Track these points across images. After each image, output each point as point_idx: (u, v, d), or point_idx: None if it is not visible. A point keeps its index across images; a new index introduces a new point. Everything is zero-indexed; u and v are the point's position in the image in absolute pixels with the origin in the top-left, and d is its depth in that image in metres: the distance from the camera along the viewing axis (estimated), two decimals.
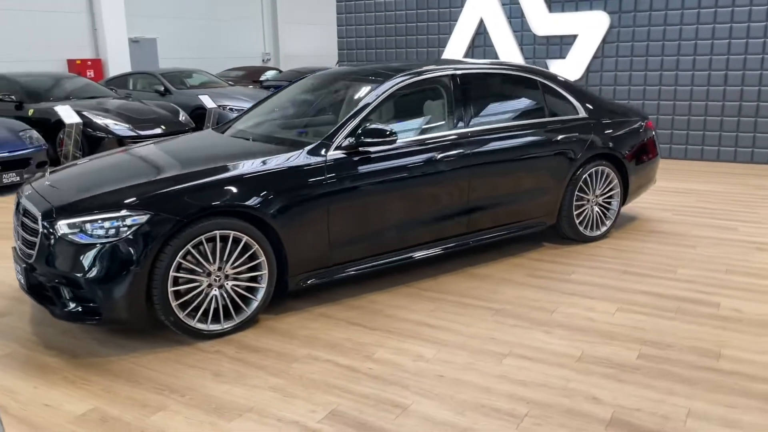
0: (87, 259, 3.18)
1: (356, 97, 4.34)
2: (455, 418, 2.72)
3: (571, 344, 3.39)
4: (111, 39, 15.59)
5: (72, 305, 3.27)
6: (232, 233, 3.42)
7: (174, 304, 3.29)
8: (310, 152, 3.82)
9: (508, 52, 9.97)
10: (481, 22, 10.17)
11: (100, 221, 3.20)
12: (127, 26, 15.98)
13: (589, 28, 9.38)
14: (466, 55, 10.39)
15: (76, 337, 3.52)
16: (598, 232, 5.23)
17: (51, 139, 8.73)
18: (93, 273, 3.17)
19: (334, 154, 3.85)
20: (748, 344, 3.38)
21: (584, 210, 5.12)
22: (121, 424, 2.69)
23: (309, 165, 3.75)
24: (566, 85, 5.19)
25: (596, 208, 5.19)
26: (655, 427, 2.63)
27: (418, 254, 4.27)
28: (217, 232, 3.38)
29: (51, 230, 3.26)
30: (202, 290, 3.40)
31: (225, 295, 3.49)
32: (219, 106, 10.93)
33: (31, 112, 9.45)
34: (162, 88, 11.93)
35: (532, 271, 4.54)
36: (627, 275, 4.45)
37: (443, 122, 4.44)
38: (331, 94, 4.89)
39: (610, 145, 5.15)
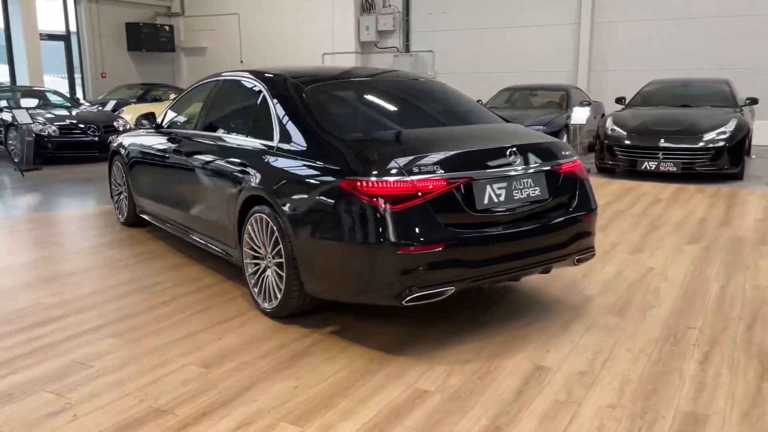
0: None
1: None
2: None
3: None
4: None
5: None
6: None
7: None
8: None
9: None
10: None
11: None
12: None
13: None
14: None
15: None
16: (267, 305, 3.66)
17: None
18: None
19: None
20: None
21: (260, 270, 3.73)
22: None
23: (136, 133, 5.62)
24: (284, 100, 3.82)
25: (270, 272, 3.63)
26: None
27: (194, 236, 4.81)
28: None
29: None
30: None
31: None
32: None
33: None
34: None
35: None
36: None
37: (191, 122, 4.76)
38: None
39: (268, 187, 3.53)
